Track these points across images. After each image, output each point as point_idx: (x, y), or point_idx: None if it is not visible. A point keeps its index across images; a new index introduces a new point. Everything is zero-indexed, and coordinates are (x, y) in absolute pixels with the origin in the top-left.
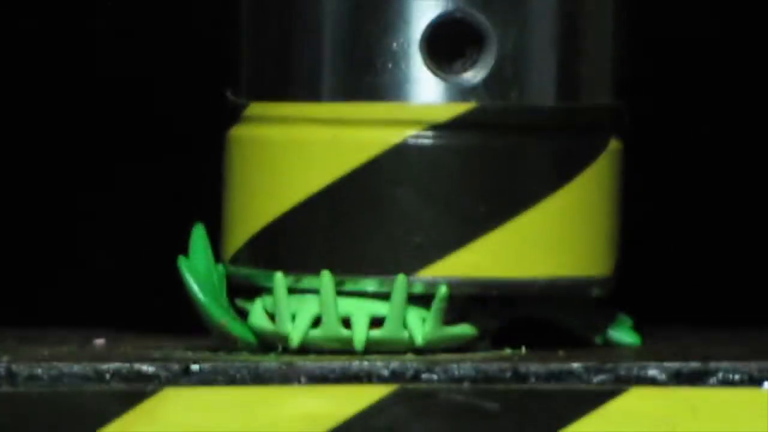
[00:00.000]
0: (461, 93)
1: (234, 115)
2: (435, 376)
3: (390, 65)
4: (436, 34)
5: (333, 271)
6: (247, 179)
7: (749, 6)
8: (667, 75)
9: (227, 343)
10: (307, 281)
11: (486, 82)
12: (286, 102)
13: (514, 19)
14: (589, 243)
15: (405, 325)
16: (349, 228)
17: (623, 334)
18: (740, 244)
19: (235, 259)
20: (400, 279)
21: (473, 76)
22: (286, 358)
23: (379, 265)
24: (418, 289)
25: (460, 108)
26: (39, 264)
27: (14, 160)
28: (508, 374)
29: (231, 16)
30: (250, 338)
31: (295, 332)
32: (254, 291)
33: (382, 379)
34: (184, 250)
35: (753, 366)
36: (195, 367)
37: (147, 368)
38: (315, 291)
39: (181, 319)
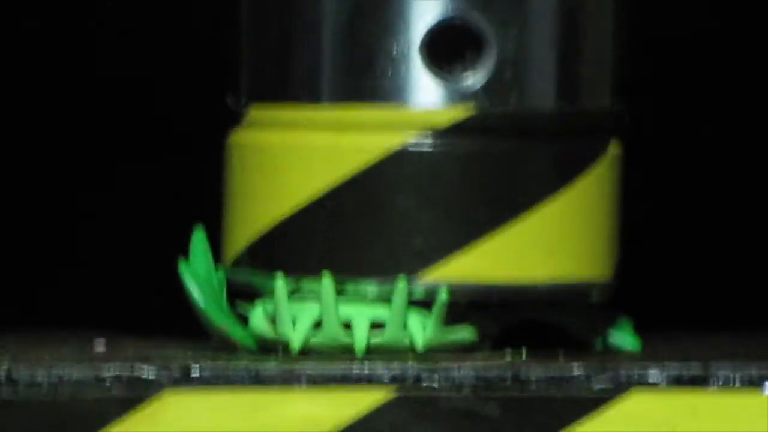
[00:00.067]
0: (461, 97)
1: (234, 119)
2: (435, 380)
3: (390, 69)
4: (435, 38)
5: (333, 275)
6: (247, 183)
7: (749, 6)
8: (667, 75)
9: (227, 347)
10: (308, 285)
11: (486, 86)
12: (286, 106)
13: (513, 23)
14: (590, 246)
15: (405, 329)
16: (349, 232)
17: (623, 338)
18: (741, 246)
19: (236, 263)
20: (401, 283)
21: (473, 80)
22: (287, 362)
23: (379, 269)
24: (418, 293)
25: (460, 112)
26: (39, 265)
27: (14, 160)
28: (509, 378)
29: (231, 16)
30: (251, 342)
31: (296, 336)
32: (254, 295)
33: (382, 383)
34: (185, 251)
35: (753, 370)
36: (195, 370)
37: (147, 372)
38: (315, 295)
39: (181, 323)
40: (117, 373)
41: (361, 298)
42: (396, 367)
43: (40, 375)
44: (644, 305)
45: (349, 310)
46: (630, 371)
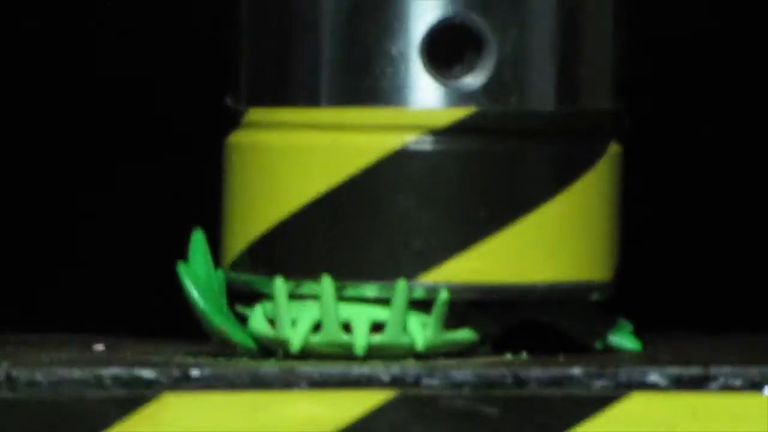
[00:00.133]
0: (461, 98)
1: (233, 121)
2: (435, 382)
3: (389, 70)
4: (435, 39)
5: (333, 276)
6: (246, 185)
7: (749, 5)
8: (667, 75)
9: (227, 349)
10: (307, 287)
11: (485, 87)
12: (285, 107)
13: (513, 23)
14: (590, 247)
15: (406, 330)
16: (349, 233)
17: (624, 339)
18: (741, 248)
19: (235, 265)
20: (401, 284)
21: (473, 80)
22: (287, 363)
23: (379, 270)
24: (418, 294)
25: (460, 113)
26: (38, 266)
27: (14, 160)
28: (509, 379)
29: (231, 17)
30: (250, 344)
31: (296, 337)
32: (254, 297)
33: (382, 385)
34: (184, 253)
35: (754, 371)
36: (195, 372)
37: (147, 373)
38: (315, 297)
39: (181, 324)
40: (117, 374)
41: (361, 299)
42: (396, 368)
43: (40, 376)
44: (645, 307)
45: (349, 311)
46: (630, 372)
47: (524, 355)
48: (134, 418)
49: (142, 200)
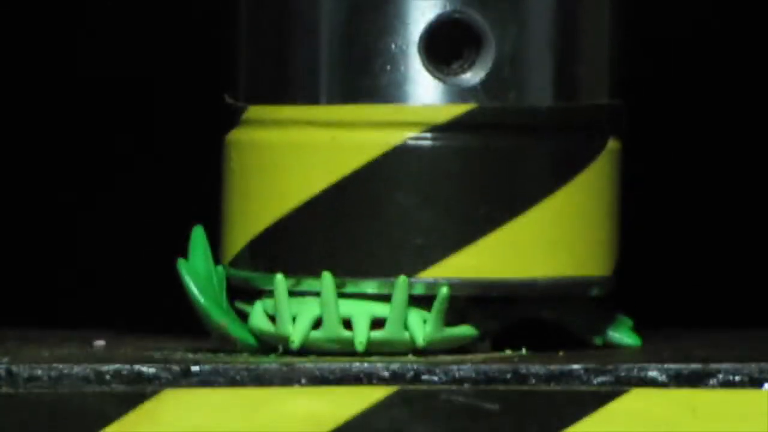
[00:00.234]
0: (460, 94)
1: (232, 119)
2: (435, 378)
3: (388, 67)
4: (434, 36)
5: (333, 273)
6: (246, 182)
7: (749, 5)
8: (666, 75)
9: (227, 345)
10: (308, 284)
11: (484, 83)
12: (284, 105)
13: (512, 20)
14: (589, 243)
15: (406, 327)
16: (349, 230)
17: (623, 336)
18: (740, 244)
19: (235, 262)
20: (401, 280)
21: (471, 77)
22: (287, 359)
23: (379, 266)
24: (418, 290)
25: (459, 109)
26: (39, 263)
27: (14, 160)
28: (509, 375)
29: (230, 15)
30: (250, 340)
31: (296, 333)
32: (254, 293)
33: (382, 381)
34: (185, 250)
35: (753, 367)
36: (195, 368)
37: (147, 369)
38: (315, 293)
39: (181, 321)
40: (117, 370)
41: (361, 296)
42: (396, 364)
43: (40, 371)
44: (645, 303)
45: (349, 307)
46: (630, 369)
47: (524, 351)
48: (134, 414)
49: (142, 198)
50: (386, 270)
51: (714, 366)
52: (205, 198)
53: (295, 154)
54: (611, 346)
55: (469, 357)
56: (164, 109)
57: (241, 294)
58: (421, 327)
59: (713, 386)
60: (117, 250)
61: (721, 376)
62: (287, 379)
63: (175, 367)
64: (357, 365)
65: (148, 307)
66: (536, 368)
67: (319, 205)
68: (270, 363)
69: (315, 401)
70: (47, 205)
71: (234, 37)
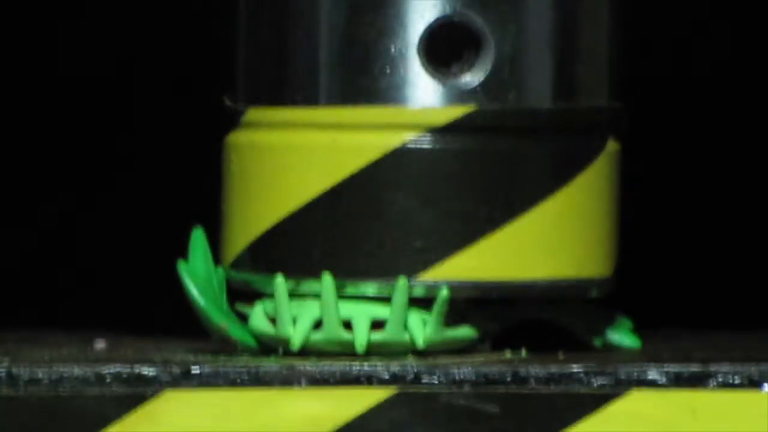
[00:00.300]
0: (459, 96)
1: (232, 121)
2: (435, 379)
3: (388, 69)
4: (433, 37)
5: (333, 274)
6: (246, 184)
7: (749, 5)
8: (666, 75)
9: (227, 346)
10: (308, 285)
11: (484, 85)
12: (284, 107)
13: (511, 22)
14: (589, 244)
15: (406, 328)
16: (349, 232)
17: (623, 337)
18: (740, 246)
19: (236, 264)
20: (401, 282)
21: (471, 78)
22: (287, 360)
23: (379, 268)
24: (418, 292)
25: (458, 111)
26: (39, 266)
27: (14, 160)
28: (509, 377)
29: (230, 17)
30: (250, 342)
31: (297, 335)
32: (254, 295)
33: (382, 382)
34: (185, 252)
35: (753, 369)
36: (195, 369)
37: (147, 371)
38: (315, 295)
39: (181, 322)
40: (117, 372)
41: (362, 297)
42: (396, 366)
43: (41, 373)
44: (644, 304)
45: (349, 309)
46: (630, 370)
47: (524, 352)
48: (135, 415)
49: (142, 198)
50: (386, 272)
51: (713, 367)
52: (205, 199)
53: (294, 156)
54: (611, 348)
55: (469, 359)
56: (164, 109)
57: (241, 296)
58: (421, 328)
59: (713, 387)
60: (117, 251)
61: (720, 377)
62: (287, 380)
63: (176, 369)
64: (357, 367)
65: (149, 308)
66: (536, 370)
67: (319, 207)
68: (270, 364)
69: (315, 403)
70: (47, 205)
71: (234, 39)
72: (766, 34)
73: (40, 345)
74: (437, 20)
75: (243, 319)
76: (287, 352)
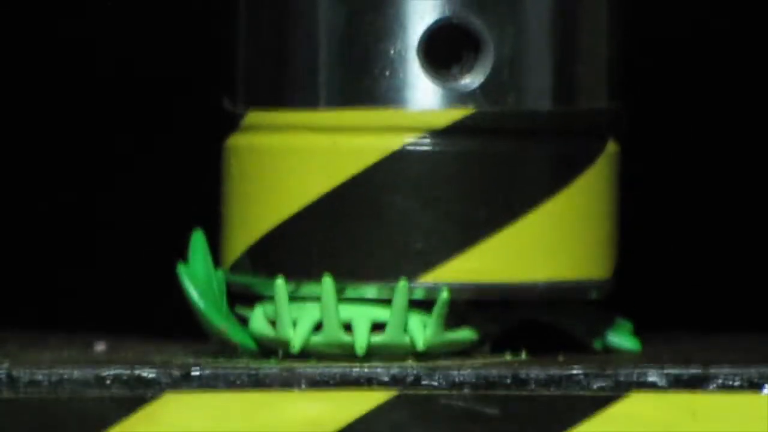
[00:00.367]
0: (459, 98)
1: (231, 124)
2: (435, 382)
3: (387, 71)
4: (433, 40)
5: (333, 277)
6: (245, 187)
7: (749, 5)
8: (666, 75)
9: (228, 349)
10: (308, 288)
11: (483, 87)
12: (283, 110)
13: (510, 24)
14: (589, 246)
15: (406, 330)
16: (349, 234)
17: (623, 339)
18: (740, 248)
19: (235, 267)
20: (401, 284)
21: (470, 81)
22: (287, 363)
23: (379, 271)
24: (418, 294)
25: (458, 113)
26: (39, 268)
27: (14, 160)
28: (509, 379)
29: (230, 18)
30: (250, 344)
31: (297, 338)
32: (254, 298)
33: (382, 384)
34: (184, 254)
35: (753, 371)
36: (196, 372)
37: (147, 373)
38: (315, 298)
39: (181, 324)
40: (117, 374)
41: (362, 300)
42: (396, 368)
43: (41, 375)
44: (644, 306)
45: (349, 311)
46: (629, 372)
47: (524, 354)
48: (135, 417)
49: (142, 200)
50: (386, 274)
51: (714, 370)
52: (205, 202)
53: (294, 159)
54: (611, 350)
55: (468, 361)
56: (164, 110)
57: (241, 298)
58: (422, 331)
59: (713, 390)
60: (117, 253)
61: (720, 380)
62: (287, 383)
63: (176, 371)
64: (357, 369)
65: (149, 310)
66: (536, 372)
67: (318, 209)
68: (270, 367)
69: (315, 405)
70: (47, 205)
71: (233, 42)
72: (766, 34)
73: (40, 347)
74: (436, 22)
75: (243, 321)
76: (287, 355)
